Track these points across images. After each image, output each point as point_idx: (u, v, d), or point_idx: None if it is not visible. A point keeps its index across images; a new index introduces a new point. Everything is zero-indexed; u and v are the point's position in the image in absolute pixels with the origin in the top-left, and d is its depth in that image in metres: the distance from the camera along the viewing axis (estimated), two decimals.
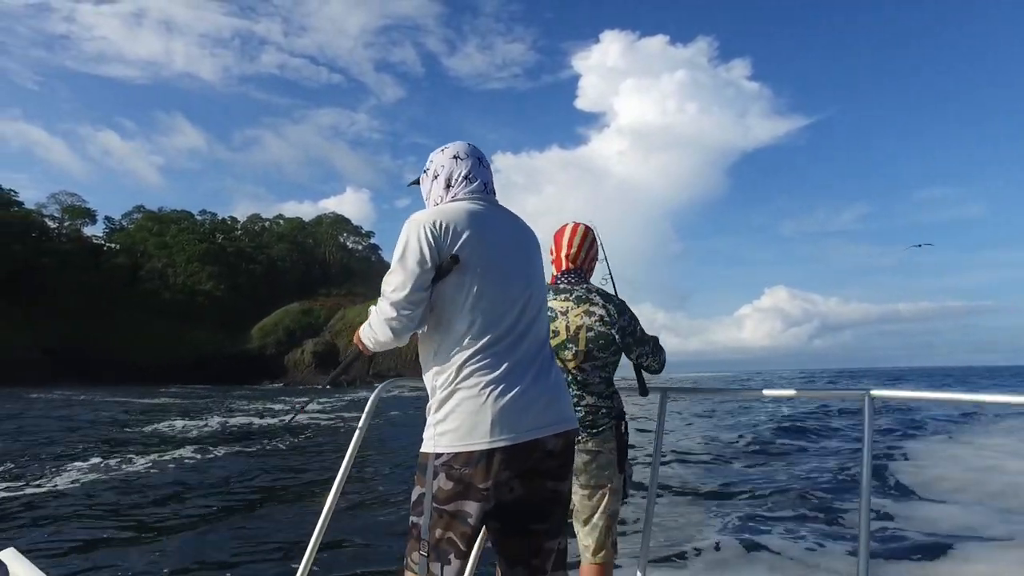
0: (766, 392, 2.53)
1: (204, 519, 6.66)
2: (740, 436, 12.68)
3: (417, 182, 1.91)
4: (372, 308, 1.77)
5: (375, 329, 1.74)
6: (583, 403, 2.46)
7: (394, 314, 1.67)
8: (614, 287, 2.70)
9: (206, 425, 18.21)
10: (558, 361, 2.29)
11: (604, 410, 2.49)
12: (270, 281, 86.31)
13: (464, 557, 1.59)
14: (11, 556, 2.01)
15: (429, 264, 1.62)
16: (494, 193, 1.85)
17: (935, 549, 4.98)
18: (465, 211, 1.69)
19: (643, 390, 2.66)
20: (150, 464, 10.40)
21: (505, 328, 1.66)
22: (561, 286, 2.50)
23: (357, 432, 2.31)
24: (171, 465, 10.39)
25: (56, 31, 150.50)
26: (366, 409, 2.34)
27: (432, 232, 1.62)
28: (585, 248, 2.55)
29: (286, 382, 64.70)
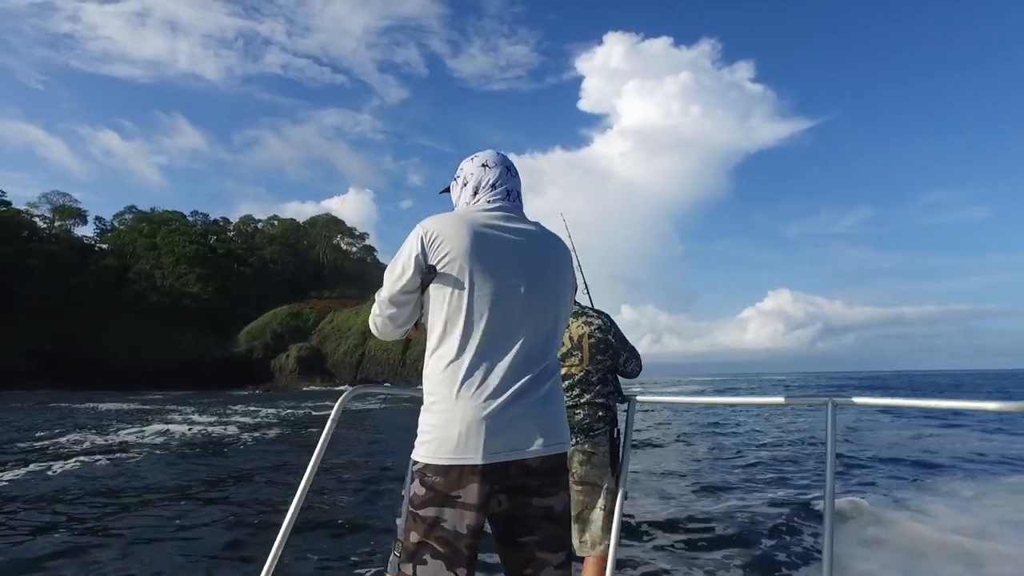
0: (733, 400, 2.77)
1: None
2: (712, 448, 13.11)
3: (448, 190, 1.95)
4: None
5: (371, 325, 1.87)
6: (583, 401, 2.78)
7: (377, 311, 1.80)
8: (590, 298, 3.17)
9: (140, 432, 17.24)
10: (564, 368, 2.68)
11: (601, 413, 2.78)
12: (261, 283, 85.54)
13: (443, 558, 1.59)
14: None
15: (412, 270, 1.67)
16: (520, 200, 1.87)
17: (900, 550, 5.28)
18: (468, 220, 1.71)
19: (621, 397, 2.93)
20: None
21: (492, 343, 1.64)
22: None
23: (322, 438, 2.33)
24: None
25: (61, 30, 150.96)
26: (331, 416, 2.37)
27: (423, 239, 1.67)
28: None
29: (270, 387, 63.93)
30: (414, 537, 1.61)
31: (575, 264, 2.88)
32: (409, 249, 1.68)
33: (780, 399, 2.56)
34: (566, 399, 2.69)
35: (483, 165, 1.84)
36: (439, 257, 1.65)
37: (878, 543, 5.55)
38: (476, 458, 1.58)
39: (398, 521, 1.68)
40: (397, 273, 1.71)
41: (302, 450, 14.00)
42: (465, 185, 1.85)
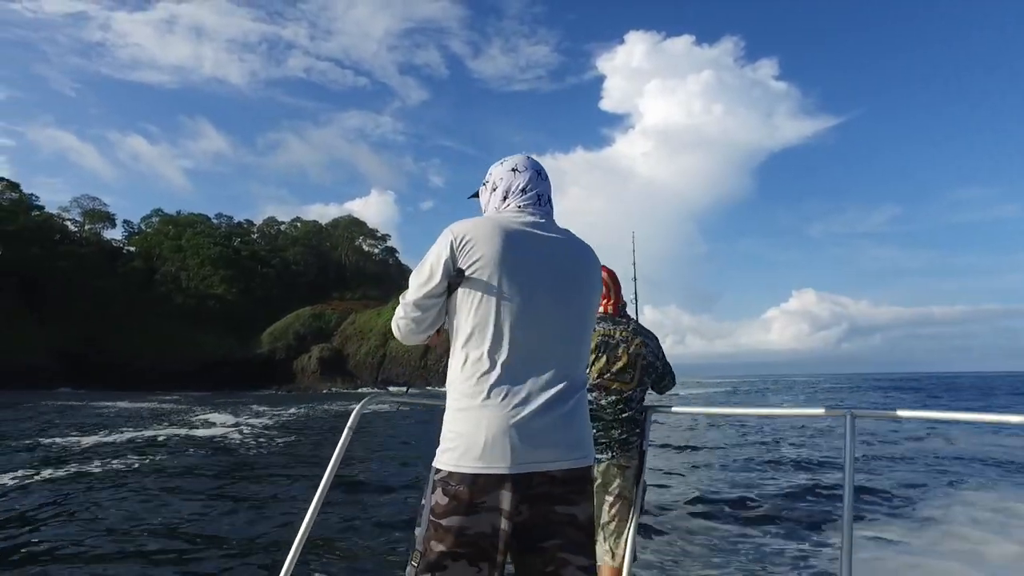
0: (749, 411, 3.21)
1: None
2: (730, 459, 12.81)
3: (477, 195, 1.92)
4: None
5: (393, 328, 1.83)
6: (623, 417, 2.87)
7: (401, 314, 1.77)
8: (636, 311, 3.64)
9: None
10: (616, 383, 2.87)
11: (637, 429, 2.90)
12: (283, 285, 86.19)
13: (463, 569, 1.56)
14: None
15: (440, 274, 1.65)
16: (551, 205, 1.84)
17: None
18: (499, 225, 1.68)
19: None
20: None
21: (521, 351, 1.62)
22: (619, 319, 2.97)
23: (339, 445, 2.33)
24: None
25: (93, 39, 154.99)
26: (348, 423, 2.38)
27: (453, 243, 1.64)
28: (620, 291, 3.06)
29: (292, 388, 64.20)
30: (435, 547, 1.57)
31: (632, 277, 2.99)
32: (438, 252, 1.65)
33: (797, 411, 2.82)
34: (610, 413, 2.87)
35: (513, 169, 1.82)
36: (469, 262, 1.63)
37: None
38: (504, 467, 1.55)
39: (417, 531, 1.62)
40: (425, 276, 1.68)
41: (323, 449, 13.82)
42: (495, 190, 1.83)
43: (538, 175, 1.83)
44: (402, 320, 1.77)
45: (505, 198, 1.79)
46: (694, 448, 13.62)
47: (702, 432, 17.19)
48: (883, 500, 7.66)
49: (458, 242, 1.63)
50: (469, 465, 1.56)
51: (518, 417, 1.57)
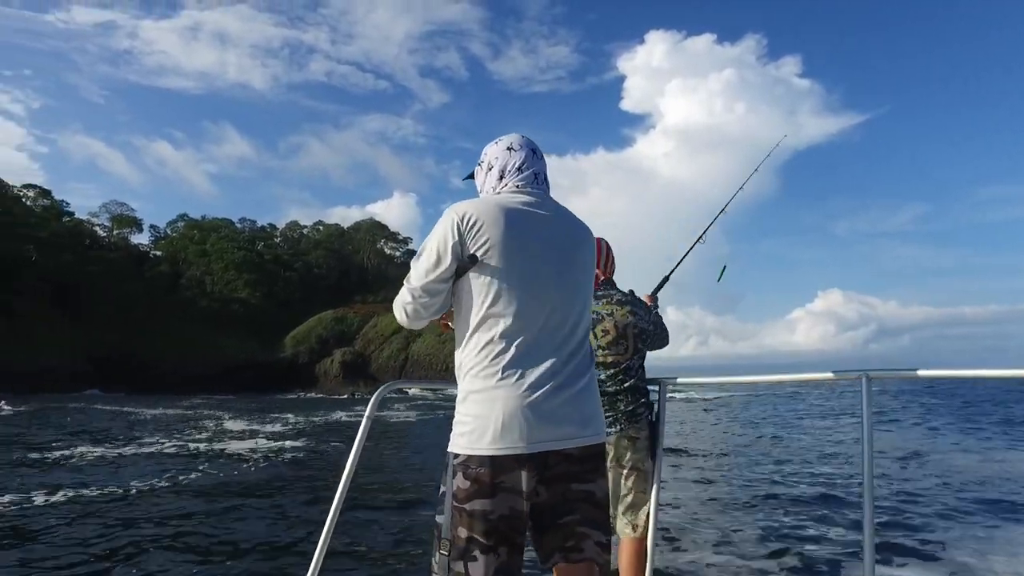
0: (763, 378, 2.68)
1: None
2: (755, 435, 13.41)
3: (472, 176, 1.92)
4: None
5: (395, 312, 1.80)
6: (625, 387, 2.85)
7: (408, 299, 1.73)
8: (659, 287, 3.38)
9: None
10: (611, 356, 2.86)
11: (643, 400, 2.88)
12: (306, 288, 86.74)
13: (491, 552, 1.56)
14: None
15: (449, 257, 1.63)
16: (547, 184, 1.85)
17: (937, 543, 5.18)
18: (502, 206, 1.68)
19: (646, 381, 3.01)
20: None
21: (531, 331, 1.63)
22: (599, 293, 2.97)
23: (360, 432, 2.30)
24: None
25: (120, 47, 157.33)
26: (367, 410, 2.36)
27: (459, 226, 1.62)
28: (611, 260, 3.05)
29: (315, 391, 64.44)
30: (462, 532, 1.57)
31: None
32: (444, 236, 1.63)
33: (809, 376, 2.60)
34: (611, 386, 2.86)
35: (508, 148, 1.82)
36: (477, 245, 1.61)
37: None
38: (521, 447, 1.56)
39: (439, 519, 1.63)
40: (432, 261, 1.66)
41: (342, 448, 13.46)
42: (490, 169, 1.82)
43: (533, 153, 1.82)
44: (409, 305, 1.73)
45: (502, 177, 1.78)
46: (719, 432, 13.69)
47: (719, 421, 17.01)
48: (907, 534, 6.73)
49: (465, 225, 1.61)
50: (487, 447, 1.56)
51: (532, 397, 1.58)
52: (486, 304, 1.61)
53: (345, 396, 56.04)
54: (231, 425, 21.99)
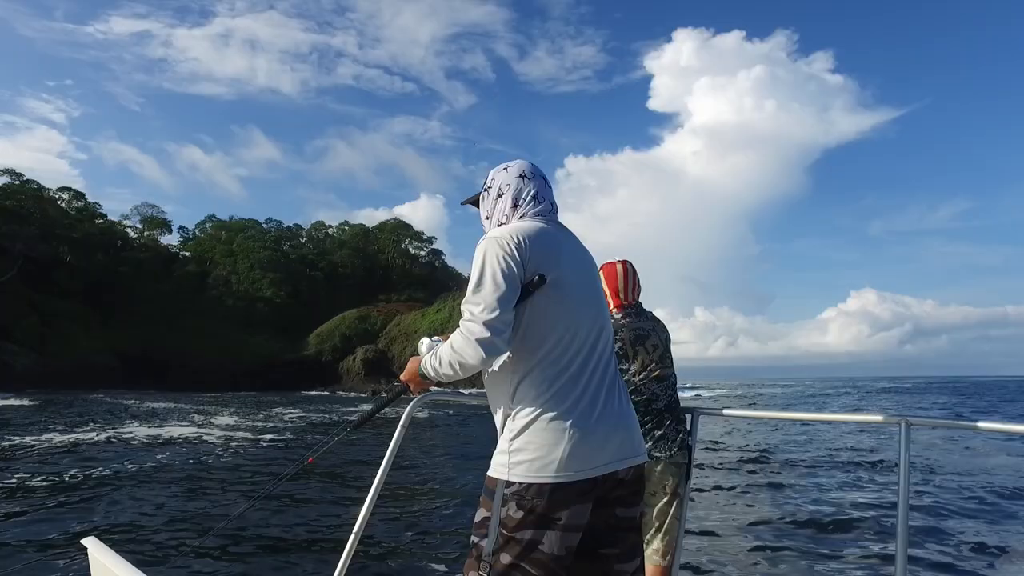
0: (799, 415, 2.68)
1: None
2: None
3: (473, 202, 1.90)
4: (428, 340, 1.84)
5: (461, 352, 1.61)
6: (672, 400, 2.87)
7: (487, 335, 1.59)
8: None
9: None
10: (661, 370, 2.85)
11: (683, 422, 2.84)
12: (331, 287, 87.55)
13: None
14: (92, 544, 2.42)
15: (518, 283, 1.60)
16: (558, 213, 1.85)
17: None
18: (542, 230, 1.69)
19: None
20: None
21: (583, 354, 1.64)
22: (637, 310, 2.94)
23: (392, 444, 2.29)
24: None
25: (155, 55, 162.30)
26: (402, 418, 2.35)
27: (518, 250, 1.61)
28: (638, 282, 3.01)
29: (338, 388, 65.04)
30: (506, 559, 1.56)
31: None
32: (506, 262, 1.59)
33: (849, 417, 3.19)
34: (661, 401, 2.85)
35: (521, 175, 1.80)
36: (541, 264, 1.61)
37: None
38: (580, 475, 1.55)
39: (483, 542, 1.59)
40: (503, 290, 1.57)
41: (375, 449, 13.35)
42: (501, 196, 1.79)
43: (545, 182, 1.82)
44: (488, 343, 1.56)
45: (516, 205, 1.77)
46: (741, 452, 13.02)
47: (750, 435, 16.43)
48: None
49: (523, 248, 1.60)
50: (546, 477, 1.53)
51: (587, 422, 1.57)
52: (540, 329, 1.61)
53: (365, 395, 56.46)
54: (253, 421, 22.13)
